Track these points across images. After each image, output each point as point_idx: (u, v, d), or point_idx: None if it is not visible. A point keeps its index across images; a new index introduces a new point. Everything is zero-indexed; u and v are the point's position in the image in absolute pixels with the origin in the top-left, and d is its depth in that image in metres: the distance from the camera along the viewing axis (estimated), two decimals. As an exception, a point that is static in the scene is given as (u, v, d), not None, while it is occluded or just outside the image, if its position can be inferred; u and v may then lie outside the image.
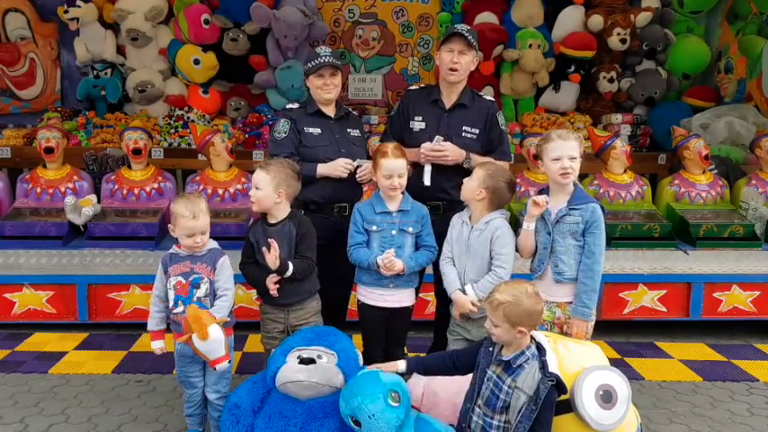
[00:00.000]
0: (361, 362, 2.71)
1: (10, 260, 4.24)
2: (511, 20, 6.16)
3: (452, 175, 3.22)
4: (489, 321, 2.32)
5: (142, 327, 4.24)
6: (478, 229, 2.93)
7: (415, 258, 3.02)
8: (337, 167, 3.24)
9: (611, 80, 6.18)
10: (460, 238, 2.97)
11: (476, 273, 2.92)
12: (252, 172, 4.86)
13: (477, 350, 2.45)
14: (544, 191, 2.93)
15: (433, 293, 3.63)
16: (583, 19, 6.14)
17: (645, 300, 4.40)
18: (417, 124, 3.40)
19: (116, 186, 4.65)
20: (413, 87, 3.69)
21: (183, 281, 2.76)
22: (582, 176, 4.33)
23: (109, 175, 4.77)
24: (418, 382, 2.82)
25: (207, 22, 5.84)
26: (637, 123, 6.04)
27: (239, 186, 4.67)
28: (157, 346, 2.84)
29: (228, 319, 2.76)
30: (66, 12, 5.83)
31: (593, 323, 2.84)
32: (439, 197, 3.30)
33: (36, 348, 4.06)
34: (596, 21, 6.02)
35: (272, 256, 2.77)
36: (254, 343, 4.06)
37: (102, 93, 6.00)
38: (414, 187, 3.16)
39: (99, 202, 4.55)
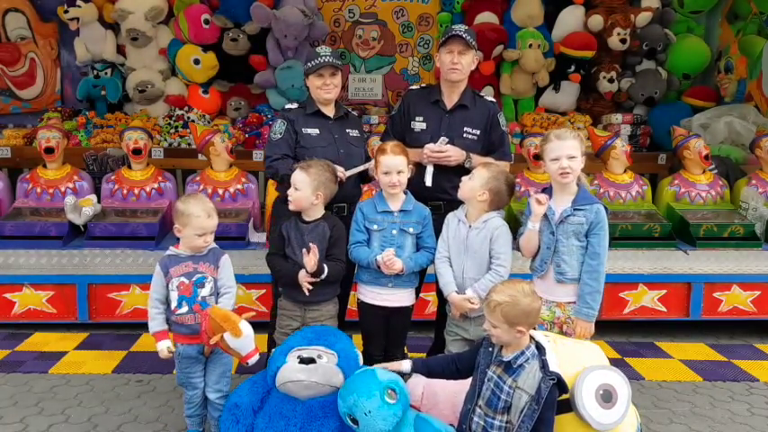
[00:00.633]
0: (361, 362, 2.71)
1: (10, 260, 4.24)
2: (511, 20, 6.17)
3: (453, 175, 3.21)
4: (488, 323, 2.32)
5: (142, 327, 4.25)
6: (477, 227, 2.94)
7: (415, 259, 3.02)
8: None
9: (611, 80, 6.18)
10: (458, 237, 2.97)
11: (475, 271, 2.92)
12: (252, 172, 4.94)
13: (477, 351, 2.45)
14: (546, 190, 2.93)
15: (433, 293, 3.63)
16: (583, 19, 6.14)
17: (645, 300, 4.40)
18: (418, 125, 3.40)
19: (116, 186, 4.65)
20: (413, 87, 3.69)
21: (187, 281, 2.75)
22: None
23: (109, 174, 4.77)
24: (418, 383, 2.82)
25: (207, 22, 5.85)
26: (637, 123, 6.05)
27: (239, 186, 4.66)
28: (164, 345, 2.77)
29: (254, 313, 2.77)
30: (66, 12, 5.83)
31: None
32: (440, 197, 3.30)
33: (36, 348, 4.06)
34: (596, 21, 6.02)
35: (311, 260, 2.81)
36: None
37: (103, 93, 6.00)
38: (415, 187, 3.16)
39: (99, 201, 4.55)
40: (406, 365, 2.59)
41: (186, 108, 5.89)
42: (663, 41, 6.15)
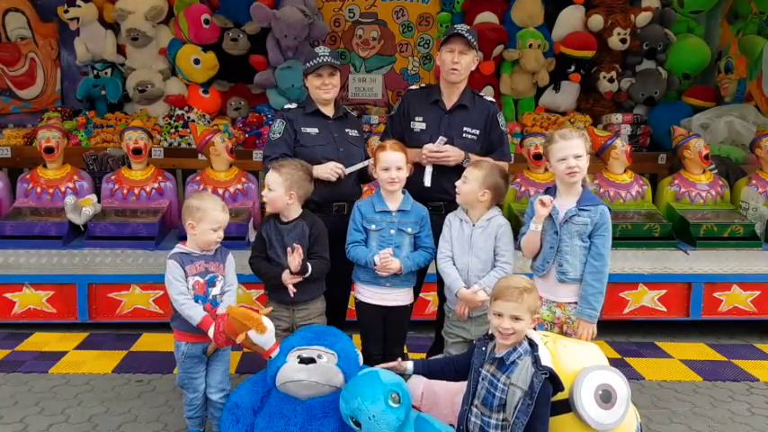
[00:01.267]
0: (361, 361, 2.72)
1: (10, 260, 4.24)
2: (511, 20, 6.17)
3: (453, 175, 3.21)
4: (508, 319, 2.27)
5: (142, 327, 4.29)
6: (481, 226, 2.96)
7: (413, 258, 3.02)
8: (327, 170, 3.24)
9: (611, 80, 6.18)
10: (461, 237, 2.98)
11: (480, 269, 2.93)
12: (252, 171, 4.94)
13: (473, 351, 2.46)
14: (550, 190, 2.93)
15: (433, 293, 3.63)
16: (583, 19, 6.14)
17: (645, 300, 4.40)
18: (418, 125, 3.40)
19: (116, 186, 4.65)
20: (413, 87, 3.69)
21: (201, 281, 2.76)
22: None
23: (109, 174, 4.77)
24: (418, 382, 2.82)
25: (207, 21, 5.85)
26: (637, 123, 6.05)
27: (239, 186, 4.66)
28: (212, 331, 2.67)
29: (272, 308, 2.78)
30: (66, 11, 5.84)
31: None
32: (440, 198, 3.30)
33: (36, 348, 4.06)
34: (596, 20, 6.02)
35: (295, 260, 2.82)
36: (254, 343, 4.06)
37: (103, 92, 6.00)
38: (415, 187, 3.16)
39: (99, 201, 4.55)
40: (409, 366, 2.60)
41: (186, 108, 5.89)
42: (663, 41, 6.15)
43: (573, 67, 6.11)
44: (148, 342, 4.17)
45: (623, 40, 6.05)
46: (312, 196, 3.28)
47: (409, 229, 3.04)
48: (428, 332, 3.66)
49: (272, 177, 2.94)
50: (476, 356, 2.41)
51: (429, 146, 3.26)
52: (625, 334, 4.44)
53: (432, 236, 3.09)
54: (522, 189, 4.68)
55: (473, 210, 2.98)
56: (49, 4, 6.12)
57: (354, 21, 6.56)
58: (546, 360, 2.26)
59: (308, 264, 2.89)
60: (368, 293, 3.07)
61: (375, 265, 2.94)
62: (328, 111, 3.40)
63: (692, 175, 4.85)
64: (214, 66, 5.96)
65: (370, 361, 2.88)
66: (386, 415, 2.32)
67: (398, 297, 3.06)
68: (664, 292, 4.41)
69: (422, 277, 3.30)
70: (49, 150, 4.60)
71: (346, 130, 3.43)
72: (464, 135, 3.35)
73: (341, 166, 3.24)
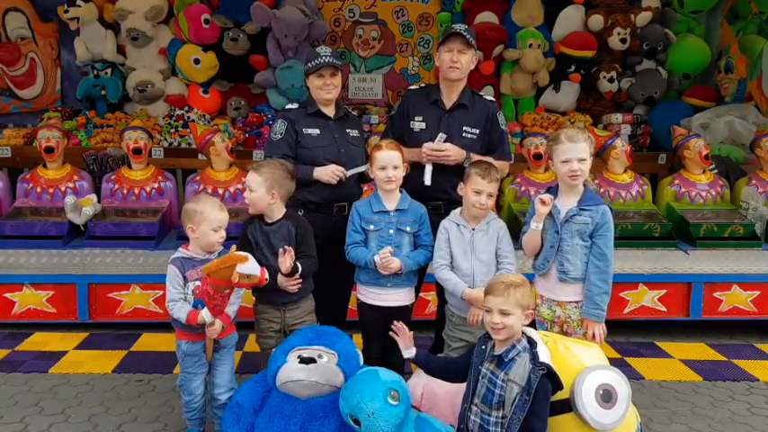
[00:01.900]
0: (361, 361, 2.71)
1: (10, 260, 4.24)
2: (511, 19, 6.16)
3: (453, 175, 3.22)
4: (497, 314, 2.29)
5: (142, 327, 4.29)
6: (482, 230, 2.97)
7: (413, 257, 3.02)
8: (328, 173, 3.24)
9: (611, 80, 6.18)
10: (461, 242, 2.97)
11: (484, 273, 2.92)
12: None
13: (472, 353, 2.46)
14: (551, 189, 2.93)
15: (433, 293, 3.63)
16: (583, 19, 6.14)
17: (645, 299, 4.40)
18: (418, 124, 3.40)
19: (116, 186, 4.65)
20: (413, 87, 3.69)
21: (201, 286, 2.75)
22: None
23: (109, 174, 4.77)
24: (418, 383, 2.82)
25: (207, 21, 5.84)
26: (637, 123, 6.04)
27: (239, 186, 4.66)
28: (204, 315, 2.65)
29: (235, 246, 2.77)
30: (66, 11, 5.83)
31: None
32: (439, 197, 3.30)
33: (36, 348, 4.06)
34: (596, 20, 6.02)
35: (286, 261, 2.81)
36: (254, 343, 4.05)
37: (103, 92, 6.00)
38: (415, 187, 3.16)
39: (99, 201, 4.55)
40: (413, 351, 2.61)
41: (186, 108, 5.89)
42: (663, 41, 6.15)
43: (573, 67, 6.10)
44: (148, 342, 4.17)
45: (623, 40, 6.05)
46: (312, 197, 3.30)
47: (408, 228, 3.04)
48: (428, 332, 3.66)
49: (252, 178, 2.91)
50: (476, 355, 2.41)
51: (429, 144, 3.25)
52: (625, 334, 4.44)
53: (431, 234, 3.08)
54: (522, 189, 4.68)
55: (475, 216, 2.98)
56: (49, 4, 6.11)
57: (354, 21, 6.56)
58: (544, 357, 2.26)
59: (298, 264, 2.88)
60: (370, 295, 3.06)
61: (375, 264, 2.94)
62: (329, 111, 3.40)
63: (692, 175, 4.85)
64: (214, 66, 5.96)
65: (370, 361, 2.88)
66: (385, 412, 2.32)
67: (400, 297, 3.06)
68: (664, 292, 4.41)
69: (422, 277, 3.30)
70: (49, 150, 4.60)
71: (347, 131, 3.43)
72: (464, 135, 3.34)
73: (341, 168, 3.23)
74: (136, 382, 3.61)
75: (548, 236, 2.86)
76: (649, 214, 4.63)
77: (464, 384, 2.47)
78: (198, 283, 2.75)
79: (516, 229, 3.32)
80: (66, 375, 3.67)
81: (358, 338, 3.11)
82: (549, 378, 2.23)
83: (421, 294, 3.52)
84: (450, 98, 3.39)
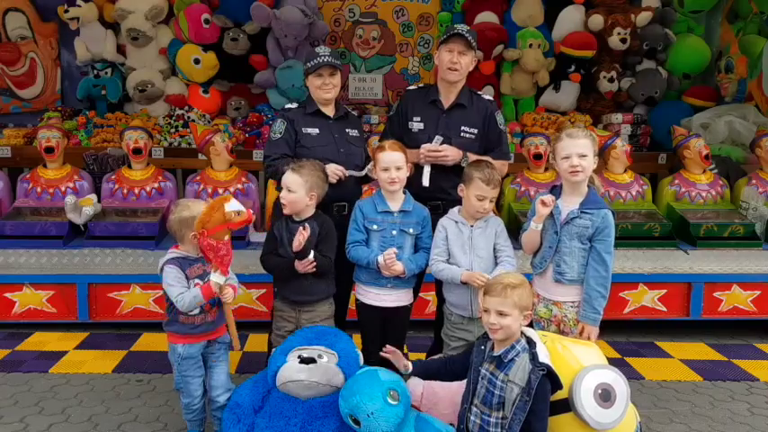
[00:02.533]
0: (361, 361, 2.71)
1: (10, 260, 4.25)
2: (511, 19, 6.17)
3: (452, 175, 3.22)
4: (494, 314, 2.29)
5: (142, 326, 4.29)
6: (480, 227, 2.98)
7: (415, 261, 3.02)
8: (328, 172, 3.23)
9: (611, 80, 6.18)
10: (459, 239, 2.97)
11: (483, 269, 2.93)
12: (252, 171, 4.94)
13: (471, 352, 2.46)
14: (554, 190, 2.92)
15: (433, 293, 3.62)
16: (583, 18, 6.14)
17: (645, 299, 4.40)
18: (416, 125, 3.40)
19: (116, 186, 4.65)
20: (411, 87, 3.68)
21: (201, 283, 2.74)
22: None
23: (109, 174, 4.77)
24: (418, 383, 2.82)
25: (207, 21, 5.85)
26: (637, 123, 6.05)
27: (239, 186, 4.67)
28: (216, 276, 2.65)
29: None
30: (66, 11, 5.84)
31: None
32: (438, 197, 3.29)
33: (36, 348, 4.06)
34: (596, 20, 6.02)
35: (301, 236, 2.80)
36: (254, 343, 4.07)
37: (103, 92, 6.01)
38: (413, 187, 3.16)
39: (99, 201, 4.55)
40: (410, 366, 2.60)
41: (186, 108, 5.89)
42: (663, 41, 6.15)
43: (573, 67, 6.11)
44: (148, 342, 4.17)
45: (623, 40, 6.05)
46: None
47: (411, 230, 3.04)
48: (428, 332, 3.66)
49: (293, 179, 2.92)
50: (475, 355, 2.41)
51: (426, 145, 3.25)
52: (625, 334, 4.44)
53: (432, 237, 3.08)
54: (522, 189, 4.69)
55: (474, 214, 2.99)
56: (49, 4, 6.12)
57: (354, 20, 6.56)
58: (544, 357, 2.27)
59: (312, 251, 2.87)
60: (369, 295, 3.07)
61: (378, 265, 2.94)
62: (329, 111, 3.40)
63: (692, 175, 4.85)
64: (214, 65, 5.96)
65: (370, 361, 2.88)
66: (384, 412, 2.32)
67: (399, 297, 3.07)
68: (664, 291, 4.41)
69: (421, 277, 3.30)
70: (50, 150, 4.60)
71: (347, 130, 3.43)
72: (462, 134, 3.34)
73: (341, 168, 3.23)
74: (136, 382, 3.61)
75: (547, 236, 2.86)
76: (649, 214, 4.63)
77: (464, 384, 2.47)
78: (198, 281, 2.74)
79: (516, 229, 3.32)
80: (66, 375, 3.67)
81: (358, 338, 3.11)
82: (549, 378, 2.23)
83: (420, 294, 3.52)
84: (448, 98, 3.39)
